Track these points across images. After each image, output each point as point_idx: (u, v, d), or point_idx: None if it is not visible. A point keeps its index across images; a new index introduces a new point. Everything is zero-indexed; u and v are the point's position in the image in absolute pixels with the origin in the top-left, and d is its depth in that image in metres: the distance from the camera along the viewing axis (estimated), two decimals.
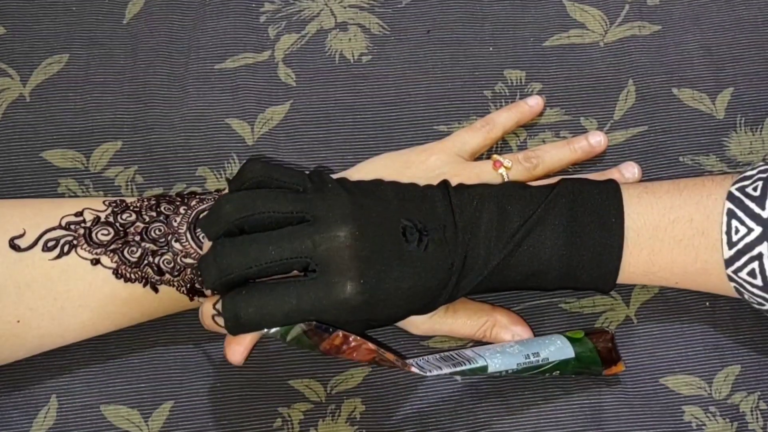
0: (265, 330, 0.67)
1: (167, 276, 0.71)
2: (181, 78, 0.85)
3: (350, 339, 0.66)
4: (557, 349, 0.72)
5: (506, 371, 0.72)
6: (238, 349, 0.68)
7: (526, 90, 0.84)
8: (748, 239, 0.69)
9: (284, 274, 0.66)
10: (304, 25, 0.87)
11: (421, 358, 0.71)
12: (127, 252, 0.71)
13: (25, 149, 0.82)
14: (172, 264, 0.71)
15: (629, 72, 0.85)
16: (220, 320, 0.66)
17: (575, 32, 0.87)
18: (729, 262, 0.70)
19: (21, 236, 0.70)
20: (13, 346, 0.71)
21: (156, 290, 0.71)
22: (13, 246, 0.70)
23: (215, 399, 0.75)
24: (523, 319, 0.75)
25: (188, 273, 0.71)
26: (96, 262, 0.70)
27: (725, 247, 0.69)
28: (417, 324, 0.74)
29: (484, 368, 0.71)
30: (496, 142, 0.81)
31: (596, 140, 0.81)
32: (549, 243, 0.69)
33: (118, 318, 0.72)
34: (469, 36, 0.87)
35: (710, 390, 0.74)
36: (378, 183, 0.71)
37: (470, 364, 0.70)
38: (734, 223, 0.69)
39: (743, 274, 0.69)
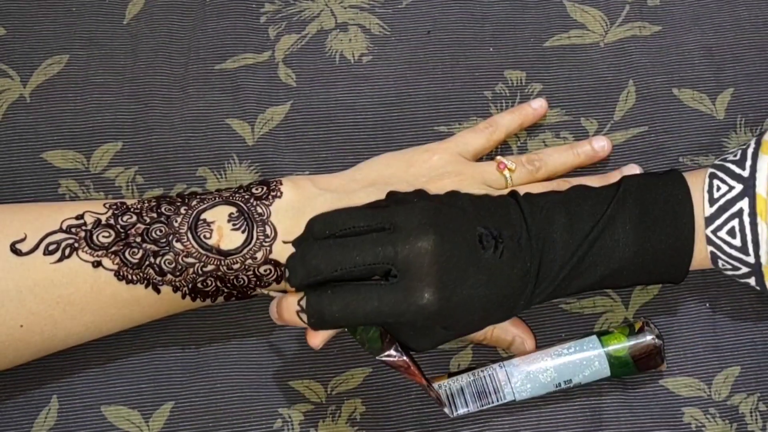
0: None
1: (169, 276, 0.71)
2: (181, 78, 0.85)
3: (411, 369, 0.70)
4: (593, 372, 0.73)
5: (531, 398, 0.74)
6: (317, 338, 0.71)
7: (526, 90, 0.84)
8: (729, 196, 0.70)
9: (365, 279, 0.68)
10: (304, 25, 0.87)
11: (452, 387, 0.73)
12: (129, 254, 0.71)
13: (25, 150, 0.82)
14: (173, 264, 0.71)
15: (629, 72, 0.85)
16: (305, 316, 0.68)
17: (576, 33, 0.86)
18: (709, 221, 0.70)
19: (22, 240, 0.70)
20: (17, 351, 0.71)
21: (158, 291, 0.71)
22: (15, 250, 0.70)
23: (216, 400, 0.75)
24: (523, 322, 0.75)
25: (190, 273, 0.71)
26: (97, 264, 0.70)
27: (707, 204, 0.71)
28: None
29: (512, 402, 0.73)
30: (498, 144, 0.81)
31: (600, 145, 0.80)
32: (622, 241, 0.70)
33: (120, 320, 0.72)
34: (469, 36, 0.86)
35: (710, 392, 0.74)
36: (454, 193, 0.71)
37: (499, 401, 0.73)
38: (716, 182, 0.71)
39: (723, 233, 0.70)
